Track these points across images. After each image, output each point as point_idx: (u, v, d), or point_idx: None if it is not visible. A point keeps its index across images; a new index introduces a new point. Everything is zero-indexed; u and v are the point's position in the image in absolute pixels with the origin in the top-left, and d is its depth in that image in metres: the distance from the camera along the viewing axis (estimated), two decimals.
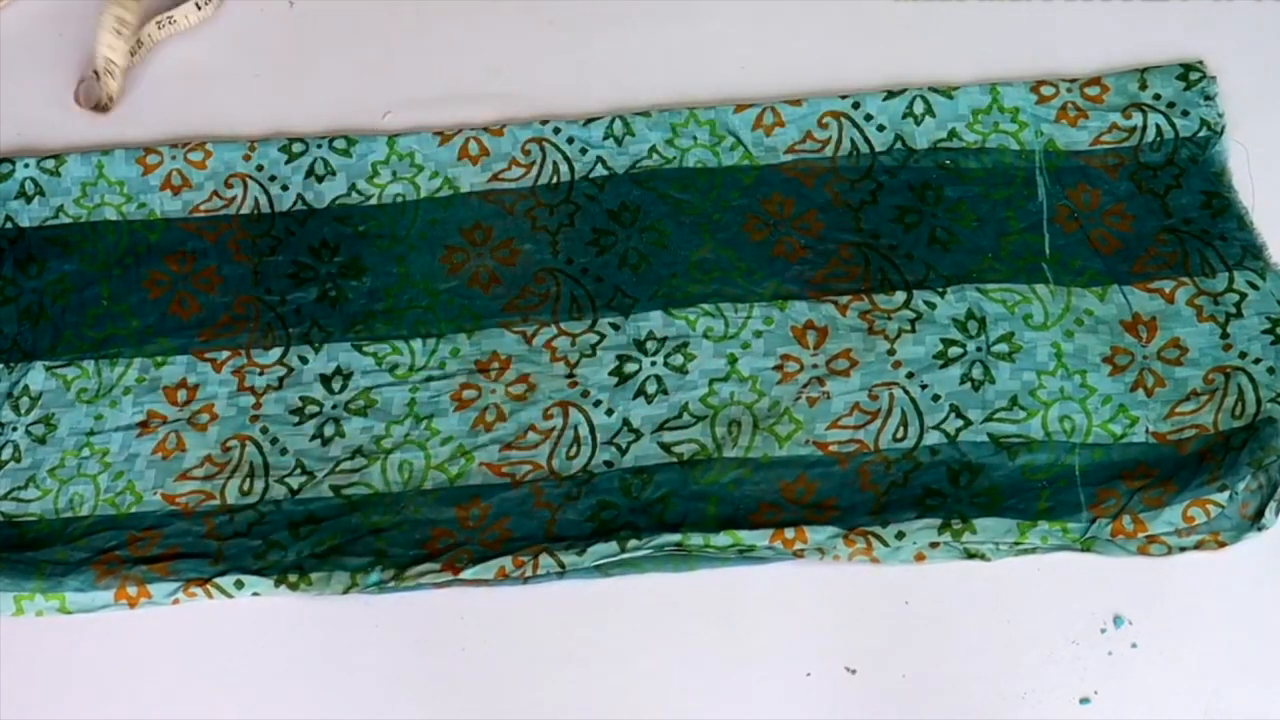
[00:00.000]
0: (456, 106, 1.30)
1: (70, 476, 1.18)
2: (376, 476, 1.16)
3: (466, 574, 1.10)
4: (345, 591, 1.11)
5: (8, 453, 1.19)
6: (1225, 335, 1.14)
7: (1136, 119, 1.24)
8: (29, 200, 1.30)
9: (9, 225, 1.29)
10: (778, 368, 1.17)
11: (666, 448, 1.14)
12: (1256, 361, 1.13)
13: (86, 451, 1.19)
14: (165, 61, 1.37)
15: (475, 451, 1.16)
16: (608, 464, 1.15)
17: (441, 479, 1.15)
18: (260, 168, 1.29)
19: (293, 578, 1.11)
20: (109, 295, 1.26)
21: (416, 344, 1.21)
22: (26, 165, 1.31)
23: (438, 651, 1.09)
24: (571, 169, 1.27)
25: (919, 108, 1.26)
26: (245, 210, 1.28)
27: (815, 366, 1.17)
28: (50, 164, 1.31)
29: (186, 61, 1.37)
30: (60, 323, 1.25)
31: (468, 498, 1.14)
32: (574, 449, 1.15)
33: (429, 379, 1.20)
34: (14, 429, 1.20)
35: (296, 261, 1.25)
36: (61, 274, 1.27)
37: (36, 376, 1.22)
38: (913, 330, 1.17)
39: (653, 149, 1.27)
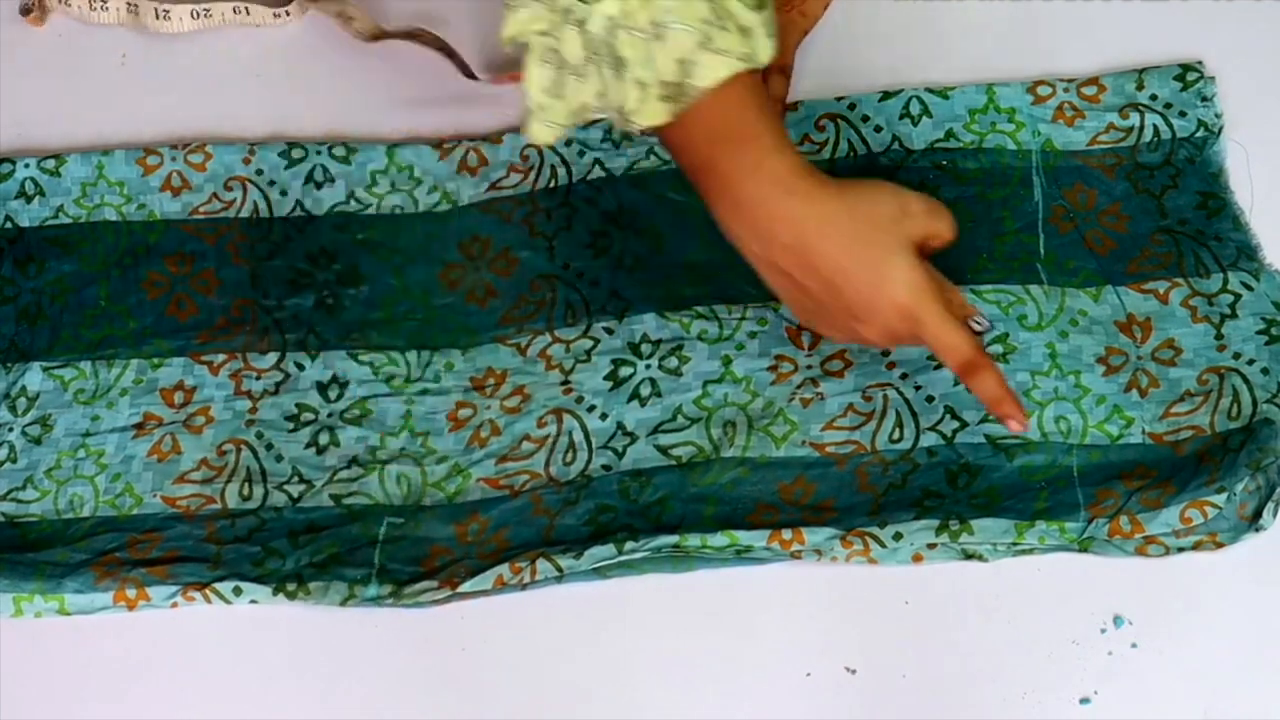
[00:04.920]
0: (456, 108, 1.30)
1: (67, 478, 1.18)
2: (375, 487, 1.16)
3: (465, 587, 1.10)
4: (343, 603, 1.11)
5: (3, 453, 1.19)
6: (1219, 336, 1.15)
7: (1134, 119, 1.24)
8: (29, 200, 1.30)
9: (8, 225, 1.29)
10: (772, 368, 1.17)
11: (664, 450, 1.15)
12: (1250, 363, 1.13)
13: (82, 453, 1.19)
14: (165, 61, 1.37)
15: (471, 469, 1.16)
16: (605, 468, 1.15)
17: (440, 496, 1.15)
18: (260, 172, 1.29)
19: (290, 587, 1.11)
20: (107, 296, 1.26)
21: (411, 355, 1.21)
22: (26, 165, 1.31)
23: (438, 651, 1.09)
24: (569, 172, 1.27)
25: (915, 108, 1.26)
26: (244, 214, 1.28)
27: (810, 367, 1.17)
28: (50, 164, 1.31)
29: (187, 61, 1.37)
30: (58, 323, 1.25)
31: (466, 514, 1.14)
32: (570, 454, 1.15)
33: (424, 392, 1.19)
34: (10, 430, 1.20)
35: (294, 267, 1.25)
36: (60, 274, 1.27)
37: (34, 377, 1.22)
38: None
39: (650, 150, 1.27)
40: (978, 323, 1.11)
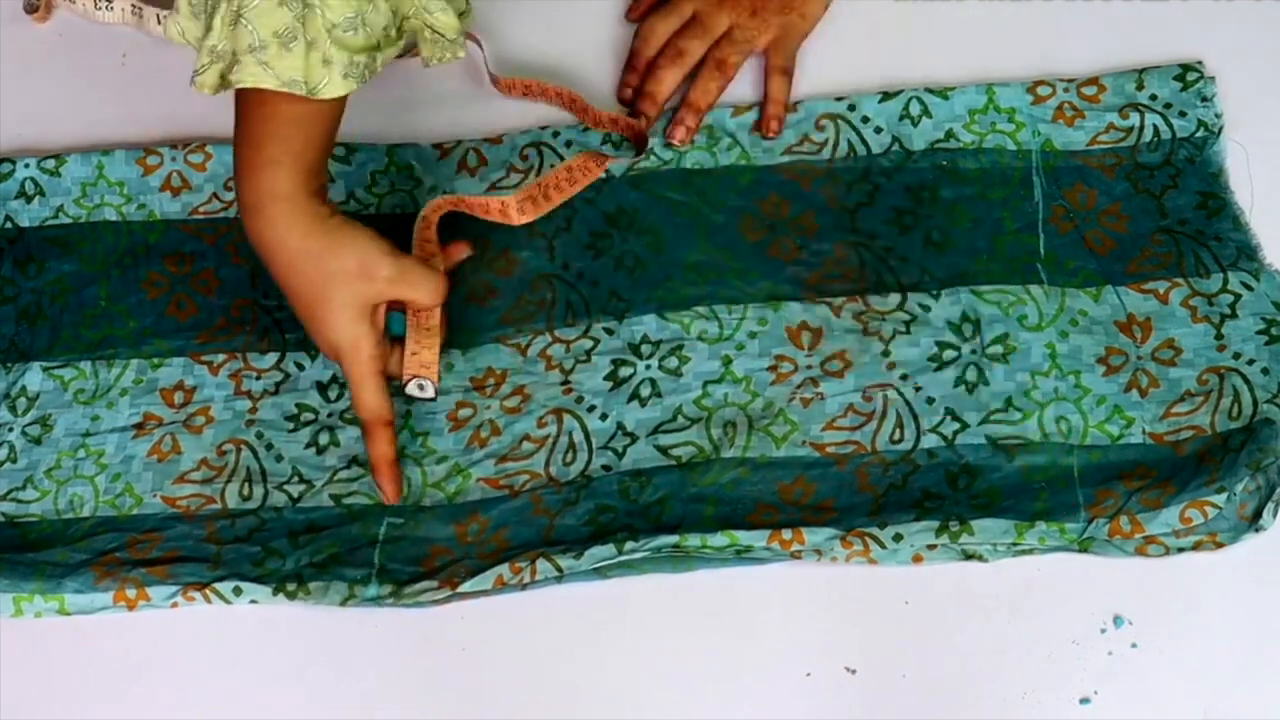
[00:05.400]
0: (456, 108, 1.30)
1: (67, 478, 1.18)
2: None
3: (465, 587, 1.10)
4: (343, 603, 1.11)
5: (3, 453, 1.19)
6: (1219, 336, 1.15)
7: (1134, 119, 1.24)
8: (29, 200, 1.30)
9: (9, 225, 1.29)
10: (772, 368, 1.17)
11: (664, 450, 1.15)
12: (1250, 362, 1.13)
13: (82, 453, 1.19)
14: (165, 61, 1.37)
15: (471, 469, 1.16)
16: (605, 468, 1.15)
17: (440, 497, 1.15)
18: None
19: (290, 587, 1.11)
20: (107, 296, 1.26)
21: None
22: (26, 165, 1.31)
23: (438, 651, 1.09)
24: None
25: (915, 109, 1.26)
26: None
27: (810, 368, 1.17)
28: (50, 164, 1.31)
29: (186, 62, 1.37)
30: (58, 323, 1.25)
31: (466, 514, 1.14)
32: (570, 455, 1.15)
33: None
34: (10, 430, 1.20)
35: None
36: (60, 274, 1.27)
37: (34, 377, 1.22)
38: (908, 332, 1.17)
39: (650, 151, 1.27)
40: (420, 387, 1.17)
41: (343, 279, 1.13)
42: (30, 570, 1.13)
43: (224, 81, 1.13)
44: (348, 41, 1.11)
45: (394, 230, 1.26)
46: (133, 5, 1.38)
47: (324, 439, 1.18)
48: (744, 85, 1.29)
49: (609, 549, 1.09)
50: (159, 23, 1.37)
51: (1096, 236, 1.20)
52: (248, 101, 1.14)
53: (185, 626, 1.12)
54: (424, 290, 1.16)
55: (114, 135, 1.33)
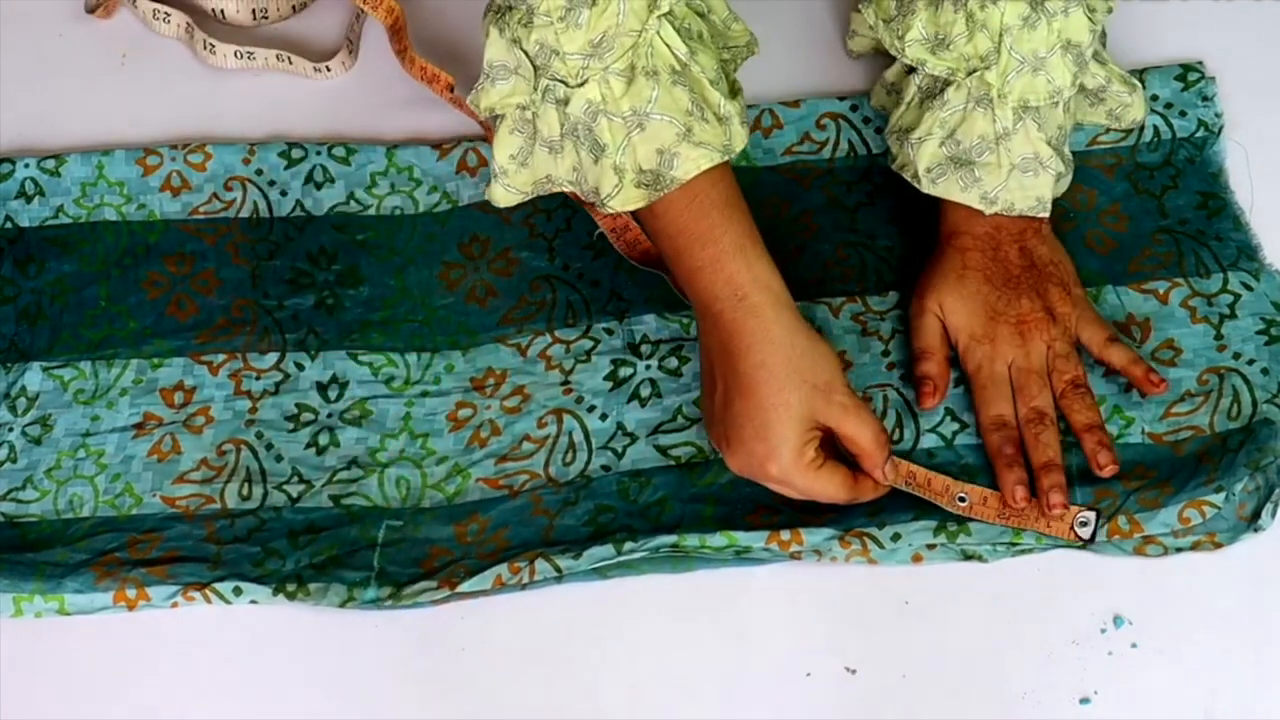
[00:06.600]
0: (454, 109, 1.30)
1: (67, 478, 1.18)
2: (374, 489, 1.16)
3: (464, 587, 1.09)
4: (342, 605, 1.10)
5: (3, 453, 1.19)
6: (1219, 336, 1.14)
7: None
8: (29, 200, 1.30)
9: (9, 225, 1.29)
10: None
11: (663, 451, 1.14)
12: (1250, 363, 1.13)
13: (82, 453, 1.19)
14: (165, 61, 1.37)
15: (471, 469, 1.16)
16: (605, 468, 1.15)
17: (439, 498, 1.15)
18: (260, 172, 1.29)
19: (290, 587, 1.11)
20: (107, 296, 1.26)
21: (411, 358, 1.21)
22: (26, 165, 1.31)
23: (438, 651, 1.09)
24: None
25: None
26: (244, 214, 1.28)
27: None
28: (50, 164, 1.31)
29: (186, 62, 1.37)
30: (58, 323, 1.25)
31: (465, 515, 1.14)
32: (569, 455, 1.15)
33: (424, 394, 1.19)
34: (10, 430, 1.20)
35: (295, 267, 1.25)
36: (60, 274, 1.27)
37: (34, 377, 1.22)
38: (908, 332, 1.17)
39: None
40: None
41: (803, 386, 1.07)
42: (30, 570, 1.12)
43: (653, 188, 1.07)
44: (726, 90, 1.10)
45: (394, 231, 1.26)
46: (187, 24, 1.37)
47: (324, 439, 1.18)
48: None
49: (608, 549, 1.09)
50: (204, 49, 1.36)
51: (1096, 236, 1.20)
52: (679, 200, 1.08)
53: (185, 626, 1.11)
54: (868, 431, 1.08)
55: (114, 135, 1.33)
